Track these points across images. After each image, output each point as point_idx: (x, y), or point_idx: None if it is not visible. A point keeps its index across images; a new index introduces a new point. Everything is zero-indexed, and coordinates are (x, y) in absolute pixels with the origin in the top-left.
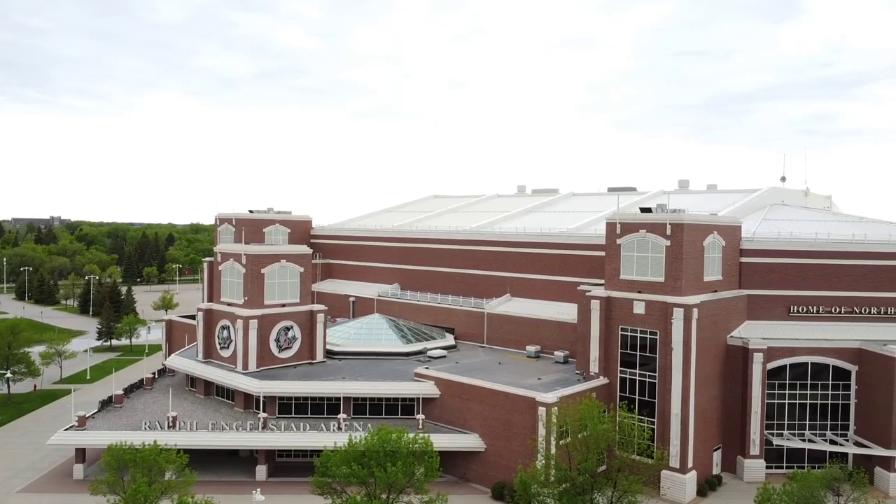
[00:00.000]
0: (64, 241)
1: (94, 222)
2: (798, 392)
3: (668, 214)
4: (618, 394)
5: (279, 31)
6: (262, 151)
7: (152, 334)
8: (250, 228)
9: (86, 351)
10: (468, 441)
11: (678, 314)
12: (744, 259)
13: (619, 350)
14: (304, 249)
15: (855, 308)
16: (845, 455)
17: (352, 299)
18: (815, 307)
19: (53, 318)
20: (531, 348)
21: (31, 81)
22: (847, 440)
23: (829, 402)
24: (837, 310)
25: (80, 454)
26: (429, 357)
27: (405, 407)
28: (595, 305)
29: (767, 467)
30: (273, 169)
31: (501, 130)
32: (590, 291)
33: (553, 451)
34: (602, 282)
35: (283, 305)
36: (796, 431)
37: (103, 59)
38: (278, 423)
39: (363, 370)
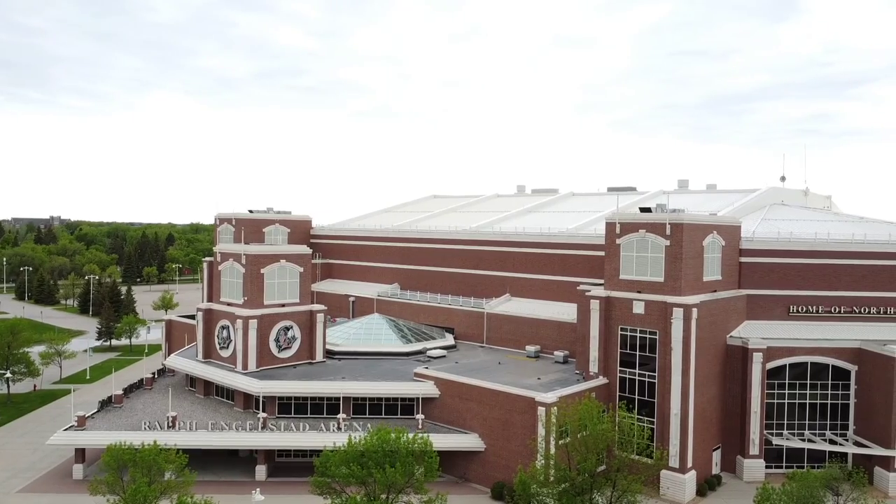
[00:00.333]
0: (64, 240)
1: (94, 222)
2: (798, 392)
3: (667, 214)
4: (617, 394)
5: (278, 31)
6: (261, 151)
7: (152, 334)
8: (250, 228)
9: (85, 351)
10: (468, 441)
11: (678, 314)
12: (743, 259)
13: (619, 350)
14: (304, 249)
15: (854, 308)
16: (845, 455)
17: (351, 299)
18: (814, 307)
19: (53, 318)
20: (531, 348)
21: (30, 81)
22: (846, 440)
23: (829, 401)
24: (837, 310)
25: (80, 454)
26: (428, 357)
27: (405, 407)
28: (595, 305)
29: (767, 467)
30: (273, 169)
31: (500, 130)
32: (589, 291)
33: (552, 450)
34: (602, 282)
35: (283, 305)
36: (796, 431)
37: (102, 58)
38: (278, 423)
39: (363, 370)
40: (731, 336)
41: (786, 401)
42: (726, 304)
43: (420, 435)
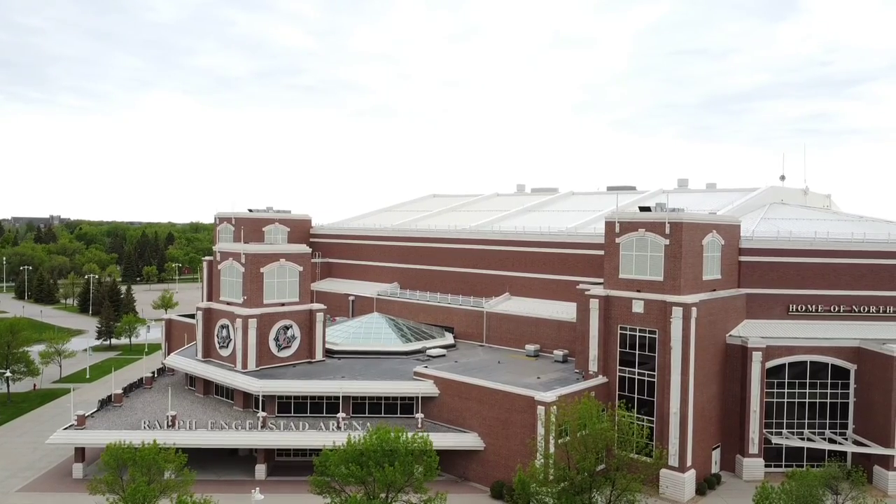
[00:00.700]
0: (63, 240)
1: (94, 221)
2: (797, 391)
3: (666, 213)
4: (617, 393)
5: (277, 31)
6: (261, 150)
7: (152, 333)
8: (250, 227)
9: (85, 350)
10: (467, 440)
11: (677, 313)
12: (743, 258)
13: (618, 349)
14: (304, 248)
15: (854, 307)
16: (844, 454)
17: (351, 298)
18: (814, 306)
19: (53, 318)
20: (530, 347)
21: (30, 81)
22: (846, 439)
23: (828, 400)
24: (836, 309)
25: (80, 453)
26: (428, 356)
27: (404, 406)
28: (594, 304)
29: (766, 466)
30: (272, 168)
31: (500, 130)
32: (589, 290)
33: (552, 450)
34: (601, 281)
35: (283, 304)
36: (795, 430)
37: (101, 58)
38: (277, 423)
39: (362, 369)
40: (730, 335)
41: (785, 400)
42: (726, 303)
43: (419, 434)
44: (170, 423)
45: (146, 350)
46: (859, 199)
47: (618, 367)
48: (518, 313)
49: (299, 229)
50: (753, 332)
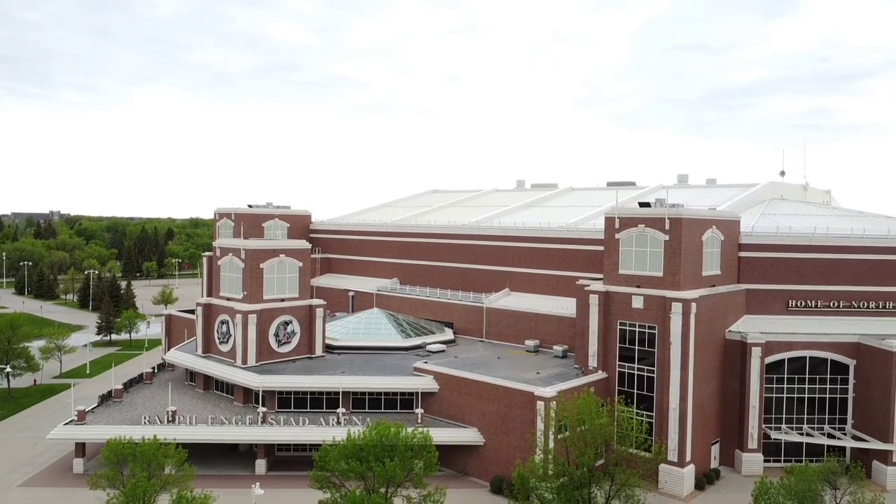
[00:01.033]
0: (63, 235)
1: (94, 217)
2: (796, 386)
3: (666, 209)
4: (616, 388)
5: (276, 26)
6: (260, 146)
7: (152, 329)
8: (249, 223)
9: (85, 346)
10: (467, 435)
11: (676, 309)
12: (742, 254)
13: (618, 344)
14: (303, 244)
15: (853, 302)
16: (843, 449)
17: (351, 294)
18: (813, 302)
19: (53, 313)
20: (530, 343)
21: (28, 76)
22: (845, 434)
23: (827, 396)
24: (836, 304)
25: (80, 449)
26: (428, 351)
27: (404, 401)
28: (594, 300)
29: (765, 461)
30: (272, 164)
31: (500, 125)
32: (588, 286)
33: (551, 445)
34: (601, 276)
35: (283, 300)
36: (794, 425)
37: (99, 53)
38: (277, 418)
39: (362, 365)
40: (729, 330)
41: (784, 395)
42: (725, 298)
43: (419, 429)
44: (170, 419)
45: (146, 345)
46: (859, 194)
47: (617, 363)
48: (518, 309)
49: (299, 225)
50: (753, 327)
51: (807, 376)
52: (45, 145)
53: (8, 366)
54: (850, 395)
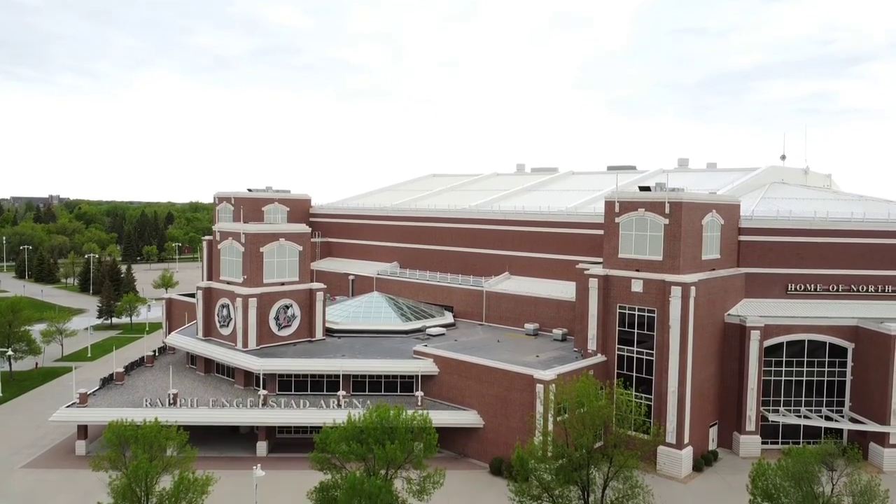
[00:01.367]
0: (63, 219)
1: (94, 201)
2: (794, 369)
3: (666, 193)
4: (615, 371)
5: (275, 10)
6: (259, 129)
7: (152, 312)
8: (249, 207)
9: (86, 329)
10: (467, 418)
11: (676, 292)
12: (742, 237)
13: (617, 328)
14: (303, 228)
15: (852, 286)
16: (840, 431)
17: (351, 277)
18: (812, 285)
19: (54, 297)
20: (530, 326)
21: (28, 60)
22: (842, 416)
23: (826, 379)
24: (835, 288)
25: (82, 431)
26: (428, 335)
27: (404, 384)
28: (593, 284)
29: (763, 443)
30: (271, 147)
31: (500, 109)
32: (588, 270)
33: (550, 427)
34: (601, 260)
35: (283, 284)
36: (792, 408)
37: (98, 37)
38: (278, 400)
39: (362, 348)
40: (729, 314)
41: (783, 378)
42: (724, 282)
43: (419, 412)
44: (171, 401)
45: (147, 329)
46: (860, 178)
47: (616, 346)
48: (517, 292)
49: (299, 209)
50: (752, 311)
51: (805, 359)
52: (44, 129)
53: (9, 349)
54: (848, 378)
